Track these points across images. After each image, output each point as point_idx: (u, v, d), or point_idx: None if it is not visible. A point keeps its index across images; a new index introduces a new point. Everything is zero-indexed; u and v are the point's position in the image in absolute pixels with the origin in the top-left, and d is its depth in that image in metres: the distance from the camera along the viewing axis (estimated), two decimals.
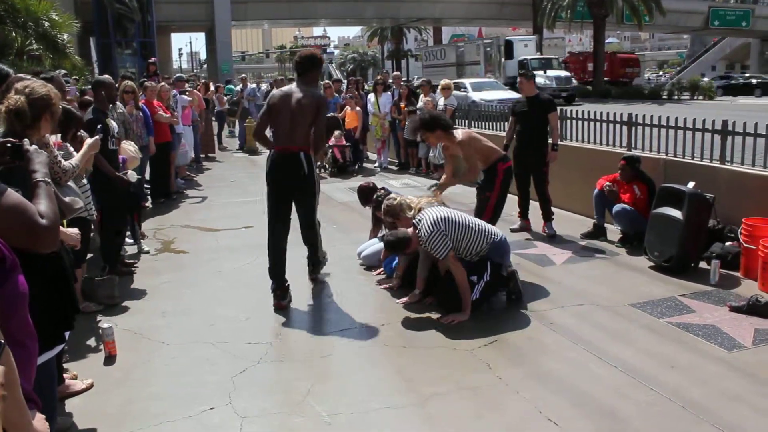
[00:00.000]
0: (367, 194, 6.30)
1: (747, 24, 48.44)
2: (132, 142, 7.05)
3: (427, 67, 44.73)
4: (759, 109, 22.40)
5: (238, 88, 18.91)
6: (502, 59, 35.14)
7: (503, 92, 23.18)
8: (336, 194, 9.89)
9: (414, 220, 5.01)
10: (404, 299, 5.18)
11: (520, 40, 35.97)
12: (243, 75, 23.90)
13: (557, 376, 3.89)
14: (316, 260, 5.77)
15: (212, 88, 15.80)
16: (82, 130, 5.19)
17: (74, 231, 3.26)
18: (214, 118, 15.53)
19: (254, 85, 20.53)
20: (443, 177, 6.17)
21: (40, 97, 2.90)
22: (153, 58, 16.06)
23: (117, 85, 6.88)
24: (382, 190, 6.25)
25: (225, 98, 16.48)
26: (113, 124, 5.90)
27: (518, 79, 7.30)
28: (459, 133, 5.92)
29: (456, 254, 4.88)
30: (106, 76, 6.65)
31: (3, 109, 2.88)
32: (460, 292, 4.82)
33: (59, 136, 4.46)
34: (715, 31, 50.96)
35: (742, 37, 54.41)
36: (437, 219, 4.84)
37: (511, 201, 7.49)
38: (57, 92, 2.99)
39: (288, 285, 5.29)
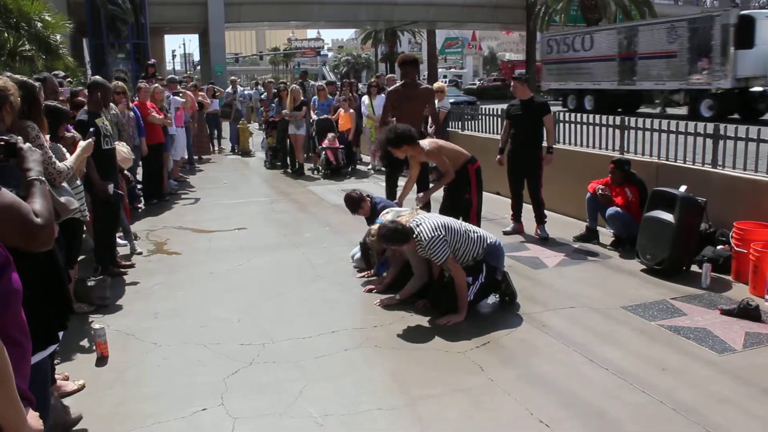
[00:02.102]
0: (354, 203, 6.20)
1: None
2: (125, 143, 7.06)
3: (552, 63, 29.72)
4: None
5: (229, 89, 18.86)
6: (731, 48, 20.51)
7: None
8: (329, 196, 9.89)
9: (410, 225, 5.00)
10: (382, 297, 5.25)
11: (766, 16, 21.23)
12: (233, 77, 23.85)
13: (549, 377, 3.91)
14: None
15: (205, 96, 15.59)
16: (75, 132, 5.18)
17: None
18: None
19: (244, 88, 20.39)
20: (407, 180, 6.38)
21: None
22: (152, 60, 15.99)
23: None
24: (368, 198, 6.23)
25: (209, 101, 16.13)
26: (106, 125, 5.86)
27: (512, 83, 7.29)
28: (426, 143, 6.03)
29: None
30: (98, 77, 6.62)
31: None
32: (458, 293, 4.83)
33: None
34: None
35: None
36: (437, 225, 4.85)
37: (504, 203, 7.53)
38: (13, 84, 2.96)
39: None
